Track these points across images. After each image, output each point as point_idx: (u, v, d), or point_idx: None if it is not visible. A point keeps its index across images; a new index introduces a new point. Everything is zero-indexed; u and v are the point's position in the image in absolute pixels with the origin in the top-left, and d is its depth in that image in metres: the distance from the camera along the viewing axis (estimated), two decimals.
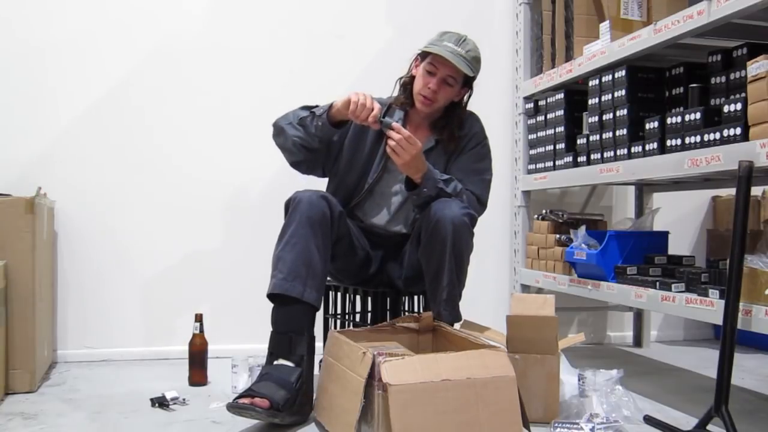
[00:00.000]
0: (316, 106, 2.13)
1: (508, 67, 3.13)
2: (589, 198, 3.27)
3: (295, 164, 2.22)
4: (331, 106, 2.08)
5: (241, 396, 1.81)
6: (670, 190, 2.97)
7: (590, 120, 2.54)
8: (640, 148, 2.26)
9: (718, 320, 1.81)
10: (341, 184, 2.26)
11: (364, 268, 2.26)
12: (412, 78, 2.22)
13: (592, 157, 2.52)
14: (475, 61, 2.15)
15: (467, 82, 2.21)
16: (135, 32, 2.84)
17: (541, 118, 2.93)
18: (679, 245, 3.01)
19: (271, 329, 1.96)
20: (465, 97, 2.26)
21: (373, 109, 2.02)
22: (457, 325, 2.10)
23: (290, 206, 2.03)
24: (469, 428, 1.60)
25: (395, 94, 2.28)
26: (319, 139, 2.12)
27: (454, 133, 2.23)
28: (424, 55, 2.18)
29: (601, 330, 3.30)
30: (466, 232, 2.03)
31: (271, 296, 1.97)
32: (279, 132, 2.15)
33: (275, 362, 1.90)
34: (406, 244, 2.25)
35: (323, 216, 2.00)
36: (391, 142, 2.01)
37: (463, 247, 2.04)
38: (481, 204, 2.21)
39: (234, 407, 1.77)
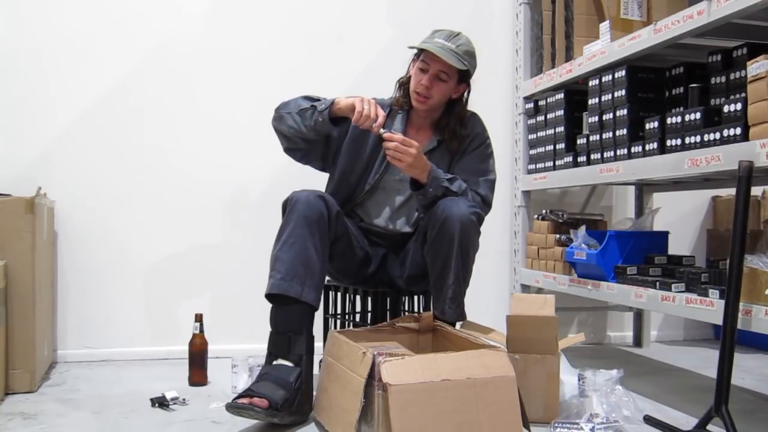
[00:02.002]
0: (319, 99, 2.13)
1: (508, 67, 3.13)
2: (589, 198, 3.27)
3: (289, 151, 2.24)
4: (333, 102, 2.08)
5: (240, 396, 1.81)
6: (670, 190, 2.97)
7: (590, 120, 2.54)
8: (640, 148, 2.26)
9: (718, 320, 1.81)
10: (342, 183, 2.26)
11: (363, 267, 2.26)
12: (410, 78, 2.23)
13: (592, 157, 2.52)
14: (467, 55, 2.14)
15: (463, 78, 2.21)
16: (134, 33, 2.84)
17: (541, 118, 2.92)
18: (679, 245, 3.01)
19: (270, 329, 1.96)
20: (465, 95, 2.26)
21: (378, 118, 2.03)
22: (458, 325, 2.10)
23: (287, 206, 2.03)
24: (469, 428, 1.60)
25: (395, 95, 2.29)
26: (316, 133, 2.13)
27: (456, 131, 2.23)
28: (419, 54, 2.19)
29: (601, 330, 3.29)
30: (473, 230, 2.03)
31: (269, 296, 1.97)
32: (278, 118, 2.17)
33: (274, 362, 1.90)
34: (407, 243, 2.25)
35: (321, 216, 2.00)
36: (389, 152, 2.01)
37: (470, 246, 2.04)
38: (486, 204, 2.21)
39: (233, 407, 1.77)
